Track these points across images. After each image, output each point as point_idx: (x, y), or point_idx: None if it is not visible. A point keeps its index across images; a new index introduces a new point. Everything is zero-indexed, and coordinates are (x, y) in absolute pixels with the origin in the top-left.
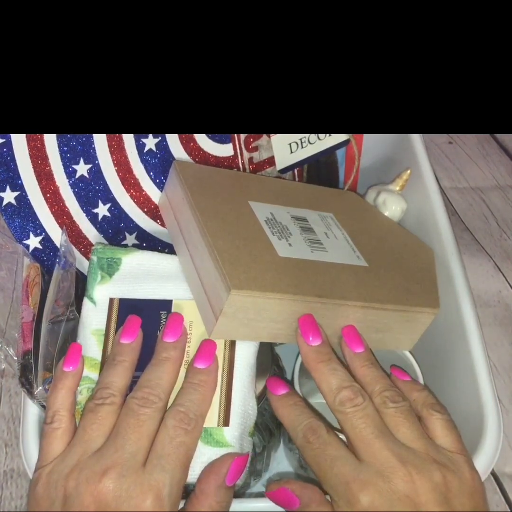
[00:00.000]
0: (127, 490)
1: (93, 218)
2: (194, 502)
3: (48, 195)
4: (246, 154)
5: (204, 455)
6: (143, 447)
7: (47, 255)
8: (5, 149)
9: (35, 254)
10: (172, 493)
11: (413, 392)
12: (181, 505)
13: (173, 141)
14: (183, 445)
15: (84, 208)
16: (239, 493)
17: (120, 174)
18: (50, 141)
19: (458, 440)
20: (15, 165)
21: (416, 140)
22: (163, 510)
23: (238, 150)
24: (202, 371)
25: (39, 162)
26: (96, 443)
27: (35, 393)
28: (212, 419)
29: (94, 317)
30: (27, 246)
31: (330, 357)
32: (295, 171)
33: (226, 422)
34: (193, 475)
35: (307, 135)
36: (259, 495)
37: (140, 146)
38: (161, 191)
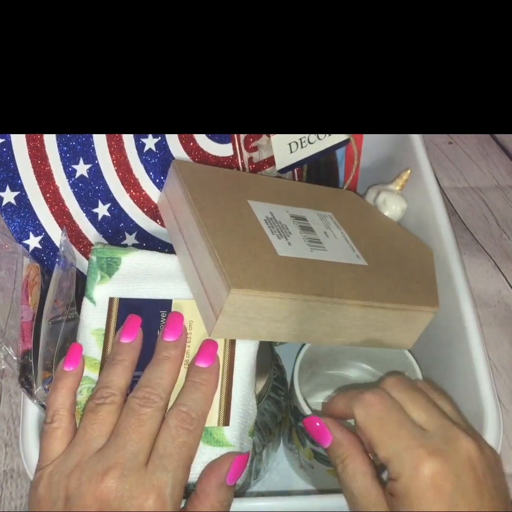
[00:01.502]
0: (129, 490)
1: (92, 218)
2: (195, 502)
3: (47, 195)
4: (246, 154)
5: (205, 454)
6: (145, 447)
7: (46, 255)
8: (5, 149)
9: (35, 254)
10: (174, 493)
11: None
12: (182, 505)
13: (172, 141)
14: (185, 445)
15: (84, 208)
16: (239, 493)
17: (120, 174)
18: (50, 141)
19: None
20: (15, 165)
21: (416, 140)
22: (165, 510)
23: (238, 150)
24: (204, 370)
25: (39, 162)
26: (97, 443)
27: (35, 393)
28: (212, 418)
29: (93, 317)
30: (27, 246)
31: None
32: (295, 171)
33: (226, 422)
34: (193, 475)
35: (307, 135)
36: (259, 494)
37: (139, 146)
38: (161, 191)
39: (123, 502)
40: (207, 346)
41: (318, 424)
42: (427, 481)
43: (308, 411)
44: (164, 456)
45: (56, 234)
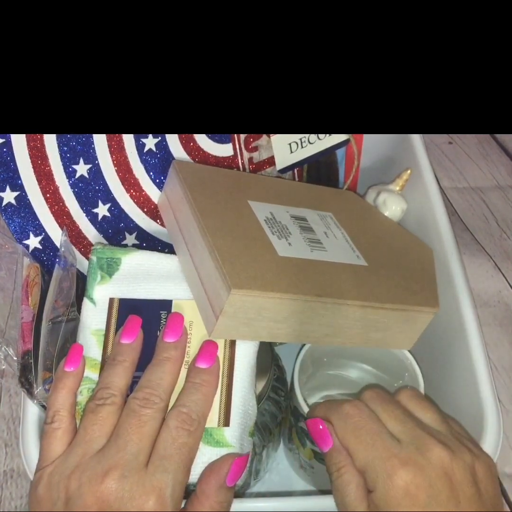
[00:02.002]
0: (130, 491)
1: (93, 218)
2: (194, 503)
3: (48, 195)
4: (246, 154)
5: (205, 455)
6: (145, 448)
7: (47, 255)
8: (5, 149)
9: (35, 254)
10: (174, 494)
11: None
12: (182, 505)
13: (173, 141)
14: (185, 446)
15: (84, 208)
16: (239, 493)
17: (120, 174)
18: (50, 141)
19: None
20: (15, 165)
21: (416, 140)
22: (165, 511)
23: (238, 150)
24: (204, 371)
25: (39, 162)
26: (98, 444)
27: (35, 393)
28: (212, 419)
29: (94, 317)
30: (27, 246)
31: None
32: (295, 171)
33: (226, 422)
34: (193, 475)
35: (307, 135)
36: (259, 495)
37: (140, 146)
38: (161, 191)
39: (123, 503)
40: (207, 347)
41: (321, 427)
42: (401, 491)
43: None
44: (164, 457)
45: (56, 234)
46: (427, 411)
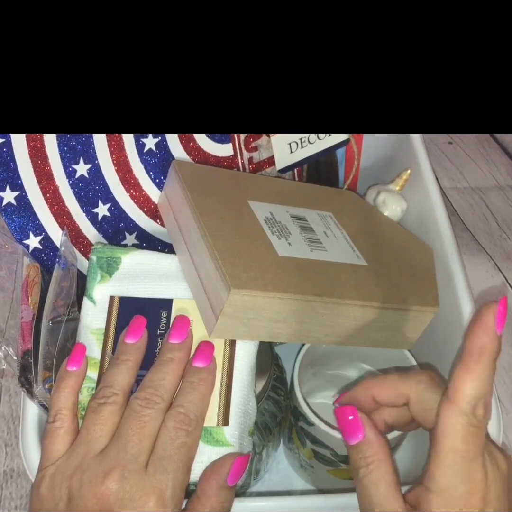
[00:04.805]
0: (130, 492)
1: (93, 218)
2: (195, 503)
3: (48, 195)
4: (246, 154)
5: (204, 454)
6: (145, 449)
7: (47, 255)
8: (5, 149)
9: (35, 254)
10: (175, 494)
11: None
12: (183, 506)
13: (173, 141)
14: (184, 446)
15: (84, 208)
16: (239, 493)
17: (120, 174)
18: (50, 141)
19: None
20: (15, 165)
21: (416, 140)
22: (166, 511)
23: (238, 150)
24: (201, 370)
25: (39, 162)
26: (99, 444)
27: (35, 392)
28: (211, 418)
29: (94, 317)
30: (27, 246)
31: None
32: (295, 171)
33: (225, 422)
34: (194, 475)
35: (307, 135)
36: (259, 494)
37: (140, 146)
38: (161, 191)
39: (123, 504)
40: (204, 347)
41: (351, 417)
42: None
43: (308, 411)
44: (164, 457)
45: (56, 234)
46: None
